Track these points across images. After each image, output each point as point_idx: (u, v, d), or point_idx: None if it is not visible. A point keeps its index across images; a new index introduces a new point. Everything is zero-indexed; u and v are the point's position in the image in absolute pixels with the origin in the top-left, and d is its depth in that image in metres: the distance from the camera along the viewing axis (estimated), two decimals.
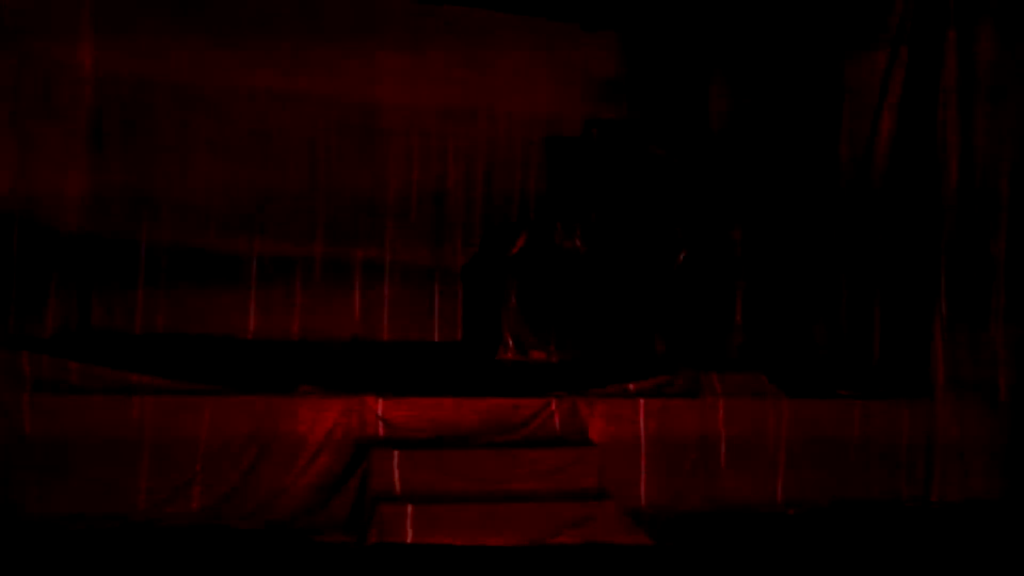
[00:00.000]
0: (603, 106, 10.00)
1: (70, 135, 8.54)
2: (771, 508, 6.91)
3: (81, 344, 7.74)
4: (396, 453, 6.12)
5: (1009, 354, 7.38)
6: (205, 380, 6.25)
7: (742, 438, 6.97)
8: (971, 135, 7.45)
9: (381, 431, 6.35)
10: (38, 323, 8.02)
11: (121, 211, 8.81)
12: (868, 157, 7.91)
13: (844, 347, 7.98)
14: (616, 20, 9.92)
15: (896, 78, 7.78)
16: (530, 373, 7.70)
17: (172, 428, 6.03)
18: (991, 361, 7.39)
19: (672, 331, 8.68)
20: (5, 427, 5.81)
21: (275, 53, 9.18)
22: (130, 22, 8.76)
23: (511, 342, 8.53)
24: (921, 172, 7.63)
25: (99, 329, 8.64)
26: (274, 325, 9.14)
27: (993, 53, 7.43)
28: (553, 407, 6.65)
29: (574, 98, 9.99)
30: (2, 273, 7.54)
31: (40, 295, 8.06)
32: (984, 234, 7.44)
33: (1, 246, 7.57)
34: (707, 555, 5.94)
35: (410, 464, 6.11)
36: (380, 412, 6.38)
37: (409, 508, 5.84)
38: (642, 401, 6.81)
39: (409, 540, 5.78)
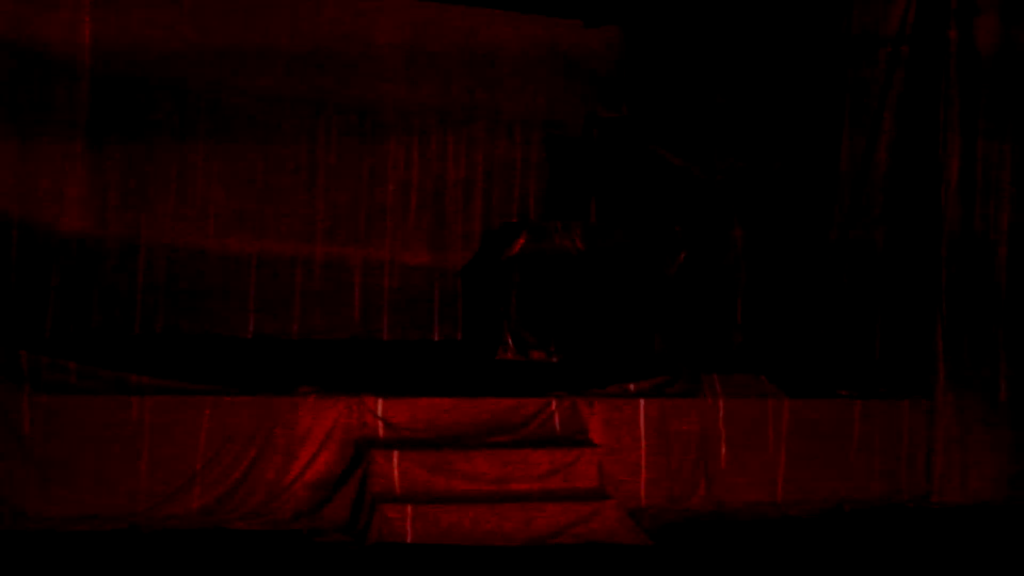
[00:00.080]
0: (603, 105, 9.99)
1: (70, 135, 8.54)
2: (771, 508, 6.91)
3: (81, 344, 7.74)
4: (396, 453, 6.11)
5: (1009, 354, 7.37)
6: (205, 380, 6.25)
7: (742, 438, 6.97)
8: (972, 135, 7.45)
9: (381, 431, 6.35)
10: (38, 323, 8.03)
11: (121, 211, 8.80)
12: (869, 156, 7.91)
13: (844, 347, 7.98)
14: (618, 17, 9.92)
15: (897, 78, 7.78)
16: (530, 373, 7.70)
17: (172, 428, 6.03)
18: (991, 361, 7.39)
19: (672, 331, 8.67)
20: (5, 427, 5.81)
21: (275, 52, 9.17)
22: (130, 22, 8.76)
23: (511, 342, 8.52)
24: (922, 172, 7.63)
25: (99, 329, 8.64)
26: (274, 325, 9.14)
27: (994, 52, 7.43)
28: (553, 407, 6.65)
29: (574, 98, 9.99)
30: (2, 273, 7.55)
31: (40, 295, 8.07)
32: (985, 234, 7.43)
33: (1, 246, 7.57)
34: (707, 555, 5.94)
35: (410, 464, 6.11)
36: (380, 412, 6.38)
37: (409, 508, 5.84)
38: (642, 401, 6.81)
39: (409, 540, 5.77)
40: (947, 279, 7.43)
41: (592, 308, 8.64)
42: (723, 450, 6.93)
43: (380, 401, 6.39)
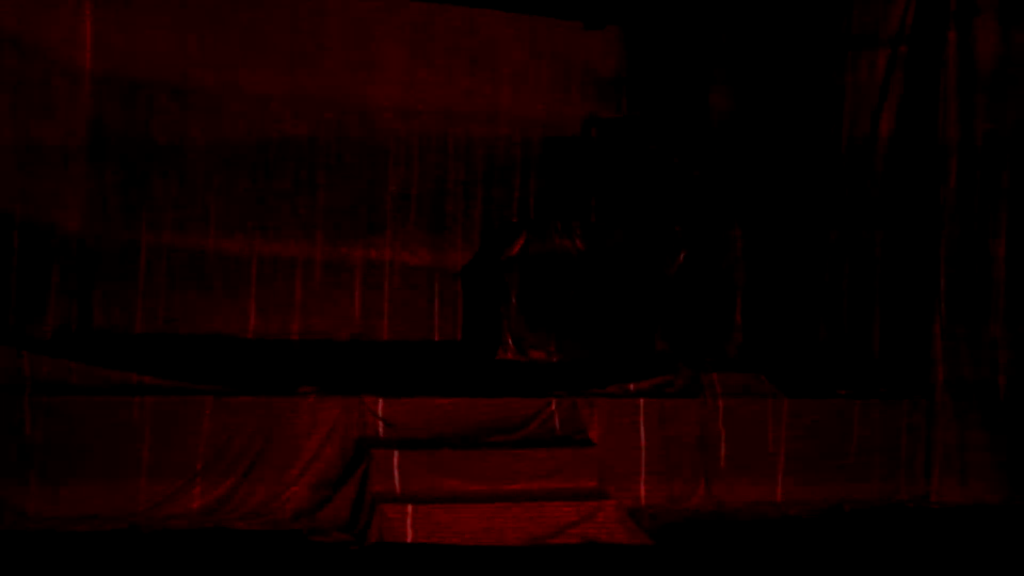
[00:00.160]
0: (603, 105, 10.00)
1: (70, 134, 8.54)
2: (771, 508, 6.91)
3: (81, 344, 7.74)
4: (396, 453, 6.12)
5: (1009, 354, 7.37)
6: (205, 380, 6.25)
7: (742, 438, 6.97)
8: (971, 135, 7.45)
9: (381, 431, 6.35)
10: (38, 323, 8.02)
11: (121, 211, 8.80)
12: (868, 156, 7.91)
13: (844, 347, 7.98)
14: (618, 18, 9.92)
15: (896, 78, 7.79)
16: (530, 373, 7.70)
17: (172, 428, 6.04)
18: (991, 361, 7.39)
19: (672, 331, 8.68)
20: (5, 427, 5.81)
21: (275, 53, 9.18)
22: (130, 22, 8.76)
23: (511, 342, 8.53)
24: (921, 172, 7.63)
25: (99, 329, 8.64)
26: (274, 325, 9.14)
27: (993, 52, 7.43)
28: (553, 407, 6.65)
29: (574, 98, 9.99)
30: (2, 273, 7.54)
31: (40, 295, 8.06)
32: (984, 234, 7.44)
33: (1, 246, 7.57)
34: (707, 555, 5.94)
35: (410, 464, 6.11)
36: (380, 412, 6.38)
37: (409, 508, 5.84)
38: (642, 401, 6.81)
39: (409, 540, 5.78)
40: (946, 279, 7.44)
41: (592, 308, 8.64)
42: (723, 450, 6.93)
43: (380, 401, 6.39)
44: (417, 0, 9.55)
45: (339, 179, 9.40)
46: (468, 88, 9.72)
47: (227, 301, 9.03)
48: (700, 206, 9.10)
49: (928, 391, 7.38)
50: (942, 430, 7.33)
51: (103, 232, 8.72)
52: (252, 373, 6.68)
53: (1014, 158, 7.41)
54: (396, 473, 6.08)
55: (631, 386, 6.95)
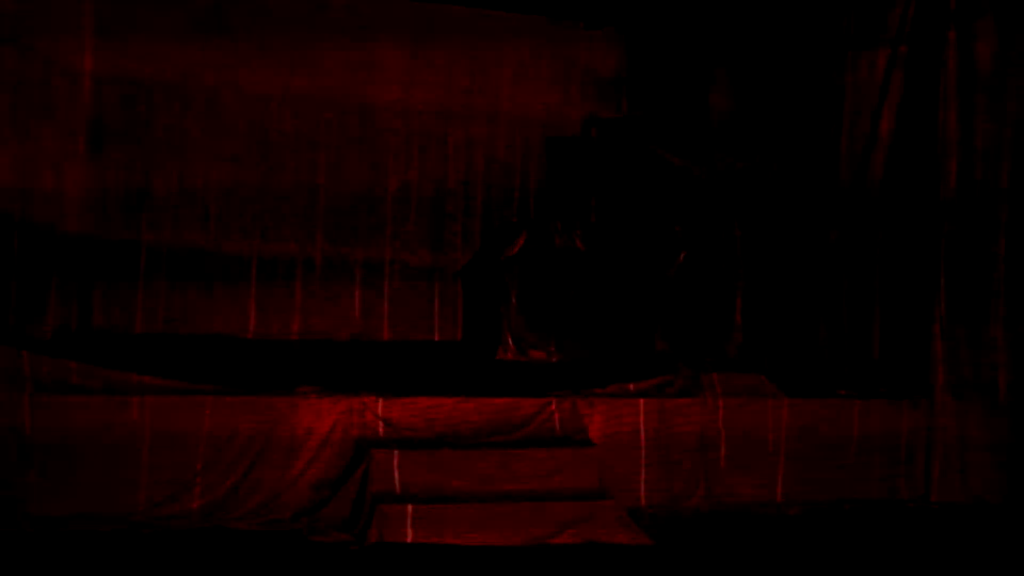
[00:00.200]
0: (603, 105, 10.00)
1: (70, 135, 8.54)
2: (771, 508, 6.91)
3: (81, 344, 7.74)
4: (396, 453, 6.12)
5: (1009, 354, 7.37)
6: (205, 380, 6.25)
7: (742, 438, 6.97)
8: (971, 135, 7.45)
9: (381, 431, 6.35)
10: (38, 323, 8.03)
11: (121, 211, 8.80)
12: (868, 157, 7.92)
13: (844, 347, 7.98)
14: (618, 18, 9.92)
15: (896, 78, 7.79)
16: (530, 373, 7.71)
17: (172, 428, 6.03)
18: (991, 361, 7.39)
19: (672, 331, 8.68)
20: (5, 427, 5.81)
21: (274, 53, 9.17)
22: (130, 22, 8.76)
23: (511, 342, 8.53)
24: (921, 172, 7.63)
25: (99, 329, 8.64)
26: (274, 325, 9.14)
27: (993, 52, 7.43)
28: (553, 407, 6.65)
29: (574, 98, 9.99)
30: (2, 273, 7.54)
31: (40, 295, 8.07)
32: (984, 234, 7.44)
33: (1, 246, 7.57)
34: (707, 555, 5.94)
35: (410, 464, 6.11)
36: (380, 412, 6.38)
37: (409, 508, 5.84)
38: (642, 401, 6.81)
39: (409, 540, 5.78)
40: (946, 279, 7.44)
41: (592, 308, 8.65)
42: (723, 450, 6.93)
43: (380, 401, 6.39)
44: (417, 0, 9.55)
45: (339, 179, 9.40)
46: (468, 88, 9.72)
47: (227, 301, 9.03)
48: (700, 206, 9.10)
49: (928, 391, 7.39)
50: (942, 430, 7.33)
51: (103, 232, 8.72)
52: (252, 373, 6.68)
53: (1014, 158, 7.41)
54: (396, 473, 6.08)
55: (631, 386, 6.95)
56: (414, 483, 6.08)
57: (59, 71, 8.37)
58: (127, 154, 8.81)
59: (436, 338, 9.57)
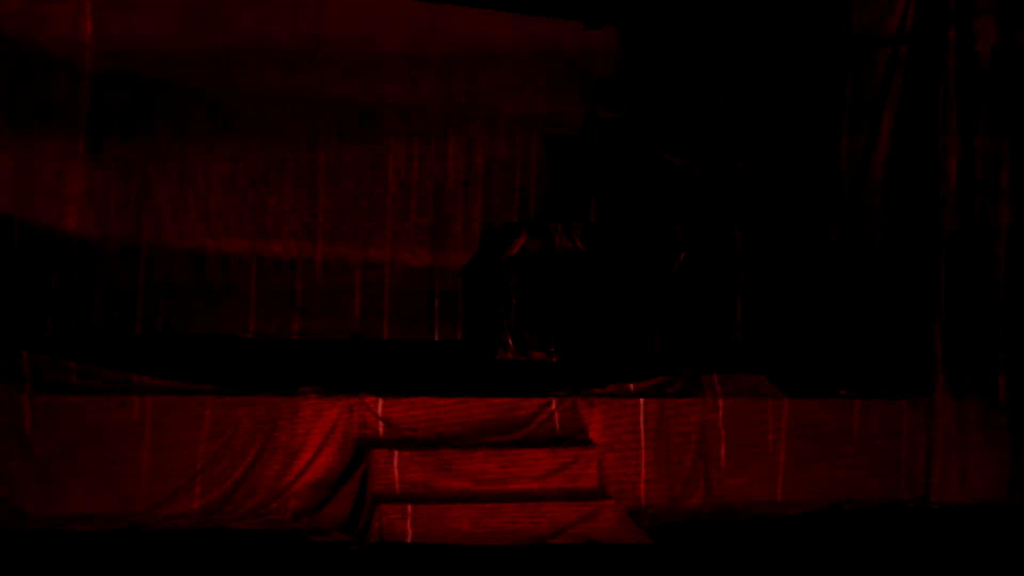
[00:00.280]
0: (603, 105, 10.00)
1: (70, 135, 8.54)
2: (771, 508, 6.91)
3: (81, 344, 7.74)
4: (396, 453, 6.12)
5: (1009, 354, 7.37)
6: (205, 380, 6.25)
7: (742, 438, 6.97)
8: (971, 135, 7.45)
9: (381, 431, 6.35)
10: (38, 323, 8.03)
11: (121, 211, 8.81)
12: (868, 157, 7.91)
13: (844, 347, 7.98)
14: (618, 18, 9.92)
15: (896, 78, 7.78)
16: (530, 373, 7.70)
17: (172, 428, 6.03)
18: (991, 361, 7.39)
19: (672, 331, 8.68)
20: (5, 427, 5.81)
21: (275, 53, 9.18)
22: (130, 22, 8.76)
23: (511, 342, 8.52)
24: (921, 172, 7.63)
25: (99, 329, 8.65)
26: (274, 325, 9.15)
27: (993, 52, 7.43)
28: (553, 407, 6.65)
29: (574, 98, 10.00)
30: (2, 273, 7.55)
31: (40, 295, 8.07)
32: (984, 234, 7.44)
33: (1, 247, 7.57)
34: (707, 555, 5.94)
35: (410, 464, 6.11)
36: (380, 412, 6.38)
37: (409, 508, 5.84)
38: (642, 401, 6.81)
39: (409, 540, 5.78)
40: (946, 279, 7.44)
41: (592, 308, 8.64)
42: (723, 450, 6.93)
43: (380, 401, 6.39)
44: (417, 0, 9.55)
45: (339, 179, 9.40)
46: (468, 88, 9.72)
47: (227, 301, 9.04)
48: (700, 206, 9.10)
49: (928, 391, 7.38)
50: (942, 430, 7.32)
51: (103, 232, 8.73)
52: (252, 373, 6.68)
53: (1014, 158, 7.41)
54: (396, 473, 6.08)
55: (631, 386, 6.94)
56: (414, 483, 6.08)
57: (59, 71, 8.37)
58: (127, 154, 8.82)
59: (436, 338, 9.57)
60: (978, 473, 7.32)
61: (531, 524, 5.93)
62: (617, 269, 8.74)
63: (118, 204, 8.79)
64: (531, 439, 6.48)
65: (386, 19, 9.51)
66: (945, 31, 7.47)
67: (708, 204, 9.11)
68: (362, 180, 9.46)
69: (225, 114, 9.09)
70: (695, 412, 6.90)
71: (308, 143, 9.33)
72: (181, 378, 6.20)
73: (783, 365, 7.78)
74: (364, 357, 8.61)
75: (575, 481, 6.30)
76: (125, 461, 5.95)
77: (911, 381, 7.47)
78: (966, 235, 7.45)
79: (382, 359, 8.59)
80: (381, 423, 6.36)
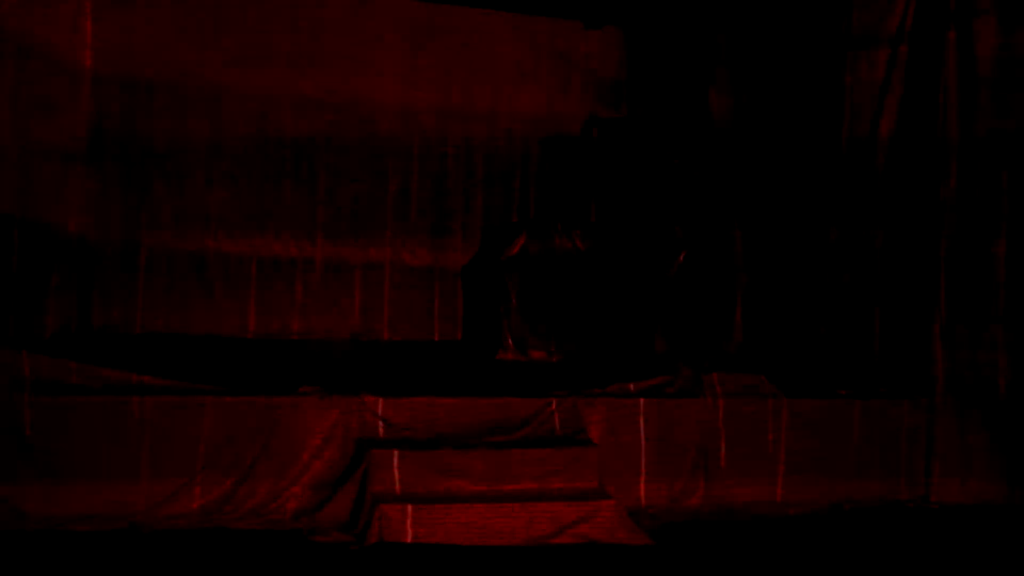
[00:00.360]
0: (603, 105, 10.00)
1: (70, 135, 8.54)
2: (771, 508, 6.91)
3: (81, 344, 7.74)
4: (396, 453, 6.12)
5: (1009, 354, 7.37)
6: (205, 380, 6.25)
7: (742, 438, 6.97)
8: (971, 134, 7.45)
9: (381, 431, 6.35)
10: (38, 323, 8.02)
11: (121, 211, 8.81)
12: (868, 156, 7.91)
13: (844, 347, 7.98)
14: (618, 18, 9.92)
15: (896, 78, 7.79)
16: (530, 373, 7.70)
17: (172, 428, 6.04)
18: (991, 361, 7.39)
19: (672, 331, 8.68)
20: (5, 427, 5.81)
21: (275, 53, 9.18)
22: (130, 22, 8.76)
23: (511, 342, 8.53)
24: (921, 172, 7.63)
25: (99, 329, 8.65)
26: (274, 325, 9.15)
27: (993, 52, 7.43)
28: (553, 407, 6.65)
29: (574, 98, 9.99)
30: (2, 273, 7.54)
31: (40, 295, 8.06)
32: (984, 234, 7.44)
33: (1, 246, 7.57)
34: (707, 555, 5.94)
35: (410, 464, 6.11)
36: (380, 412, 6.38)
37: (409, 508, 5.84)
38: (642, 401, 6.81)
39: (409, 540, 5.78)
40: (946, 279, 7.44)
41: (592, 308, 8.64)
42: (723, 450, 6.93)
43: (380, 401, 6.39)
44: (417, 0, 9.55)
45: (339, 179, 9.41)
46: (468, 88, 9.72)
47: (227, 301, 9.04)
48: (700, 206, 9.10)
49: (928, 391, 7.38)
50: (942, 430, 7.33)
51: (103, 232, 8.73)
52: (252, 373, 6.68)
53: (1014, 158, 7.41)
54: (396, 473, 6.08)
55: (631, 386, 6.95)
56: (414, 483, 6.08)
57: (59, 71, 8.36)
58: (127, 154, 8.82)
59: (436, 338, 9.57)
60: (978, 473, 7.32)
61: (531, 524, 5.93)
62: (617, 269, 8.74)
63: (118, 204, 8.79)
64: (531, 439, 6.49)
65: (386, 19, 9.51)
66: (945, 31, 7.47)
67: (708, 204, 9.11)
68: (362, 180, 9.46)
69: (225, 114, 9.08)
70: (695, 412, 6.90)
71: (308, 143, 9.33)
72: (181, 378, 6.21)
73: (783, 365, 7.79)
74: (364, 357, 8.61)
75: (575, 481, 6.31)
76: (125, 461, 5.95)
77: (911, 381, 7.47)
78: (966, 235, 7.45)
79: (382, 359, 8.59)
80: (381, 423, 6.36)
